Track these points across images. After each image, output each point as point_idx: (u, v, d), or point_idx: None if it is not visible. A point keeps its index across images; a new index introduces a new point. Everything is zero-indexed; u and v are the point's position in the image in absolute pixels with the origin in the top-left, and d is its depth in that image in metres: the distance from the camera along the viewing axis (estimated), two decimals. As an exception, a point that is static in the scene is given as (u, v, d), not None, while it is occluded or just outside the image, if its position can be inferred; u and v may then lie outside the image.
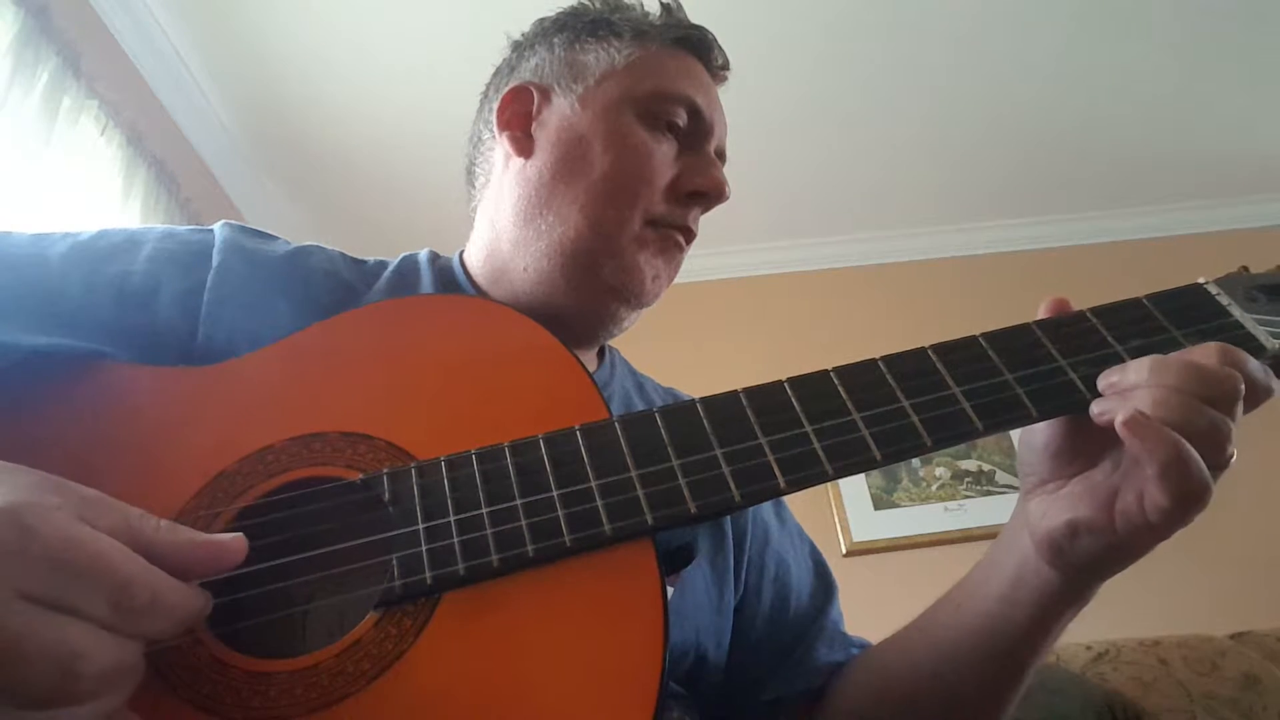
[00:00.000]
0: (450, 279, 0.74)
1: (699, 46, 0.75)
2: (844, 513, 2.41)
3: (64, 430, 0.48)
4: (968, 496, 2.43)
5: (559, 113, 0.71)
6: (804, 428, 0.47)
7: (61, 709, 0.33)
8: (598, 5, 0.76)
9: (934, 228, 2.87)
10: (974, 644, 0.56)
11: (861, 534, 2.39)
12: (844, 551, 2.36)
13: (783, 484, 0.45)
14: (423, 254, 0.76)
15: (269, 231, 0.71)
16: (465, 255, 0.77)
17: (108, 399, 0.50)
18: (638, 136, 0.69)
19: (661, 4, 0.76)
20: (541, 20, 0.78)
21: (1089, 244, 2.88)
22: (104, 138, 1.78)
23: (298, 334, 0.55)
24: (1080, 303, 0.53)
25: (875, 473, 2.46)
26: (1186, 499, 0.43)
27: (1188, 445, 0.42)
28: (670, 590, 0.60)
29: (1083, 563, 0.49)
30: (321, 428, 0.49)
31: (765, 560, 0.73)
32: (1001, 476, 2.46)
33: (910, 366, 0.49)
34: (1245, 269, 0.54)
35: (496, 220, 0.73)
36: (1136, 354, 0.48)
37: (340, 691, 0.40)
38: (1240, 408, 0.44)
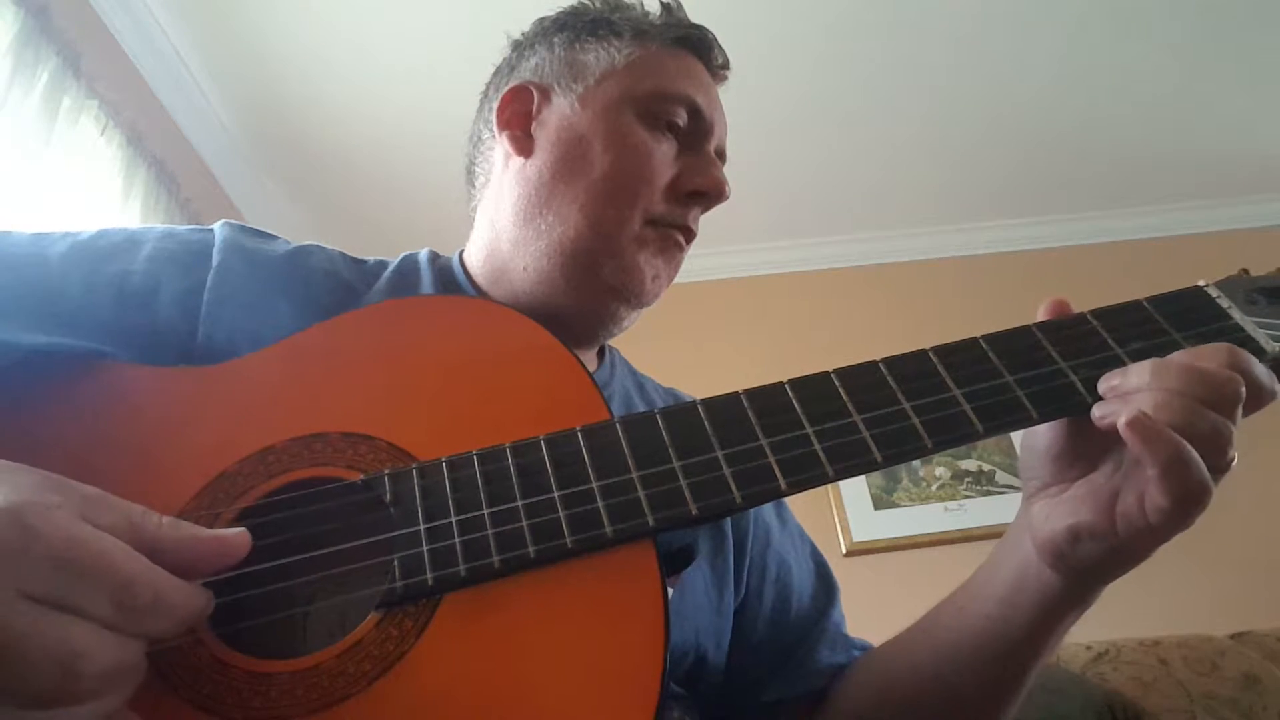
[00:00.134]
0: (450, 279, 0.74)
1: (699, 46, 0.75)
2: (844, 513, 2.42)
3: (64, 430, 0.48)
4: (968, 496, 2.43)
5: (559, 112, 0.71)
6: (805, 429, 0.47)
7: (63, 709, 0.33)
8: (598, 5, 0.76)
9: (934, 228, 2.87)
10: (975, 646, 0.56)
11: (861, 534, 2.39)
12: (844, 551, 2.36)
13: (784, 486, 0.45)
14: (423, 254, 0.76)
15: (269, 231, 0.71)
16: (465, 255, 0.77)
17: (108, 399, 0.50)
18: (638, 136, 0.69)
19: (662, 3, 0.76)
20: (541, 20, 0.78)
21: (1089, 244, 2.88)
22: (104, 138, 1.78)
23: (298, 334, 0.55)
24: (1080, 303, 0.53)
25: (875, 473, 2.46)
26: (1186, 500, 0.43)
27: (1189, 447, 0.42)
28: (670, 591, 0.60)
29: (1084, 566, 0.49)
30: (322, 428, 0.49)
31: (767, 561, 0.74)
32: (1001, 476, 2.46)
33: (911, 368, 0.49)
34: (1245, 272, 0.54)
35: (496, 220, 0.73)
36: (1137, 357, 0.48)
37: (341, 692, 0.40)
38: (1240, 411, 0.44)
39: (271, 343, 0.54)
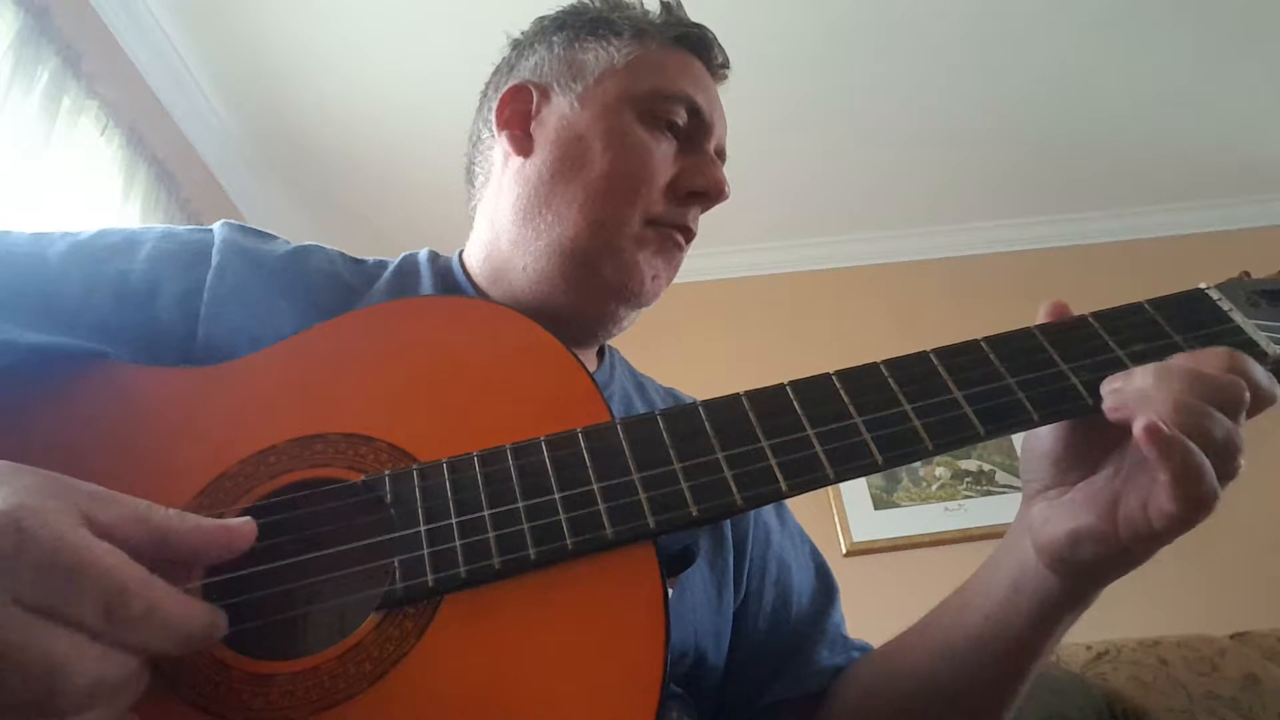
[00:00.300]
0: (450, 279, 0.74)
1: (699, 45, 0.75)
2: (844, 513, 2.42)
3: (63, 430, 0.47)
4: (968, 496, 2.43)
5: (558, 112, 0.71)
6: (806, 431, 0.47)
7: None
8: (597, 4, 0.76)
9: (933, 228, 2.87)
10: (975, 647, 0.56)
11: (861, 534, 2.39)
12: (844, 551, 2.36)
13: (784, 487, 0.45)
14: (422, 254, 0.76)
15: (269, 231, 0.71)
16: (465, 255, 0.77)
17: (106, 399, 0.49)
18: (637, 135, 0.69)
19: (661, 3, 0.76)
20: (541, 19, 0.78)
21: (1089, 244, 2.88)
22: (104, 138, 1.78)
23: (299, 335, 0.55)
24: (1081, 303, 0.53)
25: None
26: (1194, 508, 0.42)
27: (1202, 455, 0.42)
28: (670, 592, 0.60)
29: (1084, 569, 0.49)
30: (323, 429, 0.48)
31: (767, 562, 0.73)
32: (1002, 476, 2.46)
33: (912, 370, 0.49)
34: (1246, 274, 0.54)
35: (496, 219, 0.73)
36: (1138, 359, 0.48)
37: (341, 693, 0.40)
38: (1244, 414, 0.44)
39: (271, 343, 0.54)
